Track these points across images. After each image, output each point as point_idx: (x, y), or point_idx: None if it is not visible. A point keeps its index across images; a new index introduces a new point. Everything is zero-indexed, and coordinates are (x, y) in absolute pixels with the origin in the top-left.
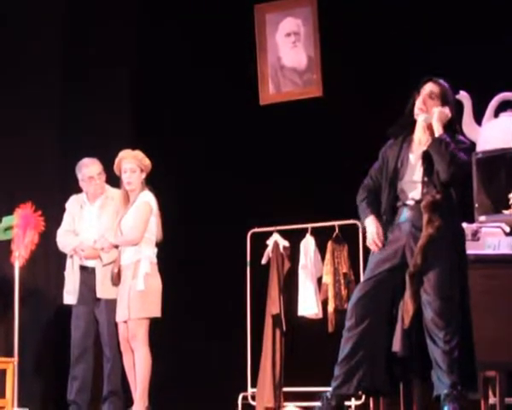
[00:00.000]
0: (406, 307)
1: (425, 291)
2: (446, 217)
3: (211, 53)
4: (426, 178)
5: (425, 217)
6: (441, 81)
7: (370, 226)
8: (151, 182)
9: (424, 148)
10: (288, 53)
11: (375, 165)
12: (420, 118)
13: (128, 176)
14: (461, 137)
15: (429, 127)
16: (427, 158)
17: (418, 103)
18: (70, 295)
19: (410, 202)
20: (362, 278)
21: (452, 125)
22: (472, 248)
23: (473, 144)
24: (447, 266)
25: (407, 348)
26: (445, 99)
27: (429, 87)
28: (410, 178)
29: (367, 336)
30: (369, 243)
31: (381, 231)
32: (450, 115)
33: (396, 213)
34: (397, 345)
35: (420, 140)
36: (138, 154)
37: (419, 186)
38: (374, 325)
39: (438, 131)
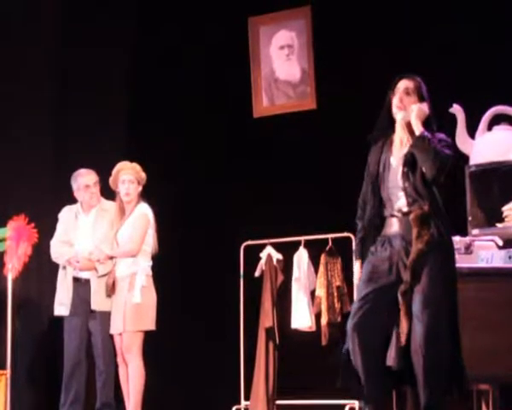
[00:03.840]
0: (402, 325)
1: (415, 304)
2: (435, 229)
3: (205, 65)
4: (406, 184)
5: (414, 231)
6: (414, 76)
7: (356, 272)
8: (145, 195)
9: (405, 149)
10: (282, 66)
11: (363, 186)
12: (398, 116)
13: (126, 187)
14: (441, 135)
15: (408, 125)
16: (408, 161)
17: (395, 102)
18: (62, 307)
19: (398, 215)
20: (355, 292)
21: (430, 121)
22: (465, 262)
23: (454, 142)
24: (438, 278)
25: (402, 362)
26: (421, 94)
27: (404, 84)
28: (394, 184)
29: (363, 350)
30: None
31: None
32: (427, 112)
33: (383, 221)
34: (391, 359)
35: (401, 141)
36: (136, 166)
37: (403, 194)
38: (370, 340)
39: (418, 128)
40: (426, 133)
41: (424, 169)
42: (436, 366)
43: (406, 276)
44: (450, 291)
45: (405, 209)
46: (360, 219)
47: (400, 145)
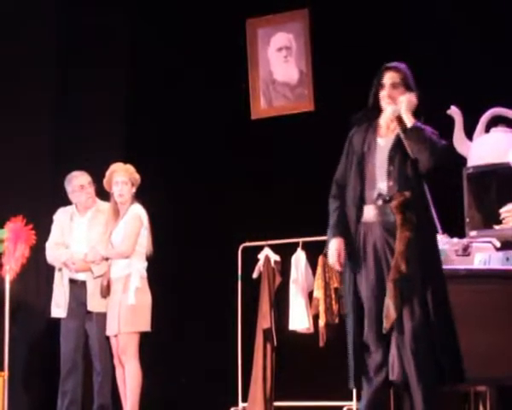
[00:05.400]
0: (388, 313)
1: (408, 301)
2: (418, 216)
3: (202, 67)
4: (391, 167)
5: (398, 218)
6: (399, 66)
7: (332, 248)
8: (142, 196)
9: (394, 134)
10: (280, 67)
11: (340, 164)
12: (388, 110)
13: (120, 188)
14: (428, 128)
15: (399, 118)
16: (397, 146)
17: (383, 97)
18: (59, 309)
19: (378, 201)
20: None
21: (418, 112)
22: (462, 263)
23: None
24: (425, 271)
25: (404, 374)
26: (407, 84)
27: (390, 77)
28: (381, 164)
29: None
30: (331, 263)
31: (342, 254)
32: (416, 102)
33: (363, 205)
34: (395, 374)
35: (387, 125)
36: (130, 167)
37: (386, 177)
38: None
39: (410, 120)
40: (418, 124)
41: (420, 160)
42: (428, 360)
43: (400, 266)
44: (438, 280)
45: (385, 192)
46: (336, 197)
47: (387, 128)
